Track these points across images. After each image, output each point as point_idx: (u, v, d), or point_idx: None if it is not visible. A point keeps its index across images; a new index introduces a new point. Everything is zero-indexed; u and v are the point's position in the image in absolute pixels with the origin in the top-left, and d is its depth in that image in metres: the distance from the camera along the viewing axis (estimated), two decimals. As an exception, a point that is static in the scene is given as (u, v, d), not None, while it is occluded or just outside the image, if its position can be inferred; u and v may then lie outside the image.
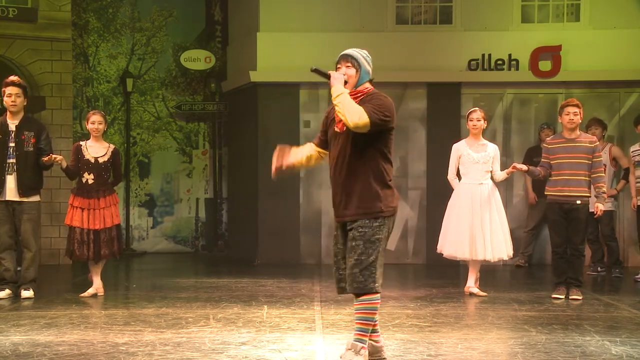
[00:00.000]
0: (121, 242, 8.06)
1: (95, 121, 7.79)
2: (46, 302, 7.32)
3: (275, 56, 11.23)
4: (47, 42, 11.70)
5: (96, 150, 7.79)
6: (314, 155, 4.88)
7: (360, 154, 4.49)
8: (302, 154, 4.90)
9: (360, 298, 4.51)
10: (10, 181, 7.49)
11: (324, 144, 4.83)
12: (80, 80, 12.64)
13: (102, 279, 7.89)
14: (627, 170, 9.66)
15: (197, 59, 12.73)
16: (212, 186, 13.01)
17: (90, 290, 7.77)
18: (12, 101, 7.52)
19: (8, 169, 7.49)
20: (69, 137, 11.32)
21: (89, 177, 7.69)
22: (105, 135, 8.21)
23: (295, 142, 10.96)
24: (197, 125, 13.11)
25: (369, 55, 4.75)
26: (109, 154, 7.82)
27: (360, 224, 4.50)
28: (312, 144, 4.92)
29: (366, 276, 4.44)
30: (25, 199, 7.53)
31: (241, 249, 11.87)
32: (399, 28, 11.29)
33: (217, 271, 10.42)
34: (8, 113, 7.61)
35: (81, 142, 7.91)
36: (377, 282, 4.49)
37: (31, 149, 7.55)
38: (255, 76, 11.24)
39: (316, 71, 4.72)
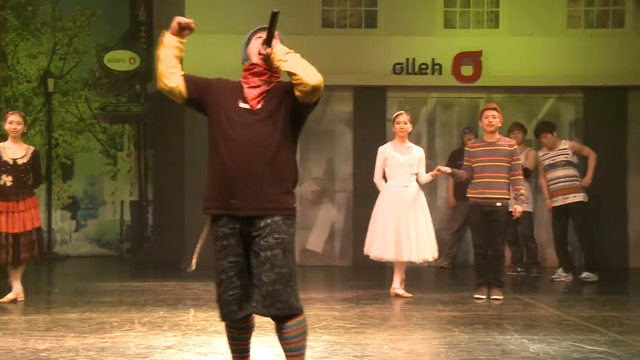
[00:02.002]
0: (42, 245, 7.87)
1: (13, 121, 7.59)
2: (-37, 309, 7.10)
3: (201, 58, 11.10)
4: (-38, 40, 11.35)
5: (15, 151, 7.59)
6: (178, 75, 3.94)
7: (280, 142, 3.75)
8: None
9: (290, 323, 3.67)
10: None
11: (188, 85, 3.98)
12: (-1, 80, 12.31)
13: (22, 283, 7.69)
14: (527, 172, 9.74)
15: (122, 60, 12.54)
16: (137, 188, 12.83)
17: (10, 296, 7.57)
18: None
19: None
20: (-13, 139, 11.00)
21: (7, 180, 7.49)
22: (25, 137, 8.01)
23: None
24: (122, 127, 12.92)
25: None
26: (29, 155, 7.63)
27: (274, 226, 3.70)
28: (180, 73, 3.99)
29: (289, 293, 3.65)
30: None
31: (167, 251, 11.74)
32: (325, 32, 11.36)
33: (142, 275, 10.29)
34: None
35: (0, 143, 7.71)
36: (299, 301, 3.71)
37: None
38: (180, 78, 11.12)
39: (273, 15, 3.81)
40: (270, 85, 3.82)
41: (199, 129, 11.21)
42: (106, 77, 12.80)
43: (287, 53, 3.70)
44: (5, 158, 7.54)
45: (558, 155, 9.45)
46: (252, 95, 3.81)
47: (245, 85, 3.85)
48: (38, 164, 7.74)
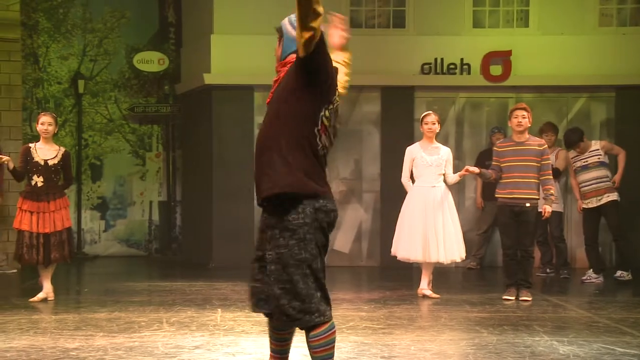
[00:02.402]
0: (72, 245, 7.95)
1: (45, 122, 7.68)
2: (-5, 308, 7.19)
3: (229, 59, 11.20)
4: (-5, 42, 11.48)
5: (46, 152, 7.68)
6: None
7: (271, 133, 3.70)
8: None
9: (313, 333, 3.64)
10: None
11: None
12: (30, 81, 12.43)
13: (52, 283, 7.77)
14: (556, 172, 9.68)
15: (151, 61, 12.62)
16: (166, 189, 12.91)
17: (40, 295, 7.66)
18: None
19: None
20: (18, 139, 11.11)
21: (38, 180, 7.58)
22: (56, 138, 8.09)
23: (250, 145, 11.05)
24: (151, 128, 13.00)
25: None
26: (59, 156, 7.71)
27: (274, 241, 3.64)
28: None
29: (296, 309, 3.61)
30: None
31: (195, 252, 11.80)
32: (353, 32, 11.21)
33: (170, 274, 10.35)
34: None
35: (30, 144, 7.80)
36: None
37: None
38: (209, 78, 11.19)
39: None
40: (280, 75, 3.78)
41: (227, 130, 11.30)
42: (135, 78, 12.89)
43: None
44: (36, 159, 7.62)
45: (590, 156, 9.34)
46: (272, 90, 3.81)
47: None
48: (68, 164, 7.82)
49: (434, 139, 8.14)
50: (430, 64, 11.18)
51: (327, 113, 3.65)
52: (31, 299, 7.59)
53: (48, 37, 12.64)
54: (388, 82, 11.15)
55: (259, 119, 11.24)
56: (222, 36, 11.23)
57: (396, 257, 8.18)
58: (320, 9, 3.44)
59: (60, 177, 7.76)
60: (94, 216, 12.77)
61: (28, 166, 7.62)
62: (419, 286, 8.08)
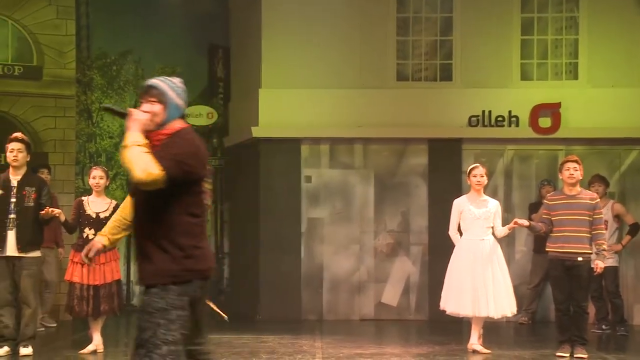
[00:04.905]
0: (121, 297, 8.01)
1: (96, 176, 7.83)
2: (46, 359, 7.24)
3: (277, 112, 11.32)
4: (52, 99, 11.81)
5: (98, 205, 7.80)
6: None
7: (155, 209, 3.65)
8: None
9: None
10: (11, 237, 7.47)
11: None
12: (84, 136, 12.72)
13: (102, 335, 7.81)
14: (633, 226, 9.67)
15: (200, 115, 12.83)
16: (214, 241, 12.98)
17: (90, 347, 7.70)
18: (14, 156, 7.55)
19: (9, 225, 7.47)
20: (71, 193, 11.33)
21: (89, 233, 7.68)
22: (107, 191, 8.22)
23: (297, 197, 11.12)
24: (199, 181, 13.15)
25: (180, 84, 3.86)
26: (111, 209, 7.82)
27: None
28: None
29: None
30: (24, 255, 7.48)
31: (243, 304, 11.78)
32: (400, 85, 11.40)
33: (218, 327, 10.31)
34: (10, 169, 7.64)
35: (83, 197, 7.95)
36: None
37: (32, 204, 7.55)
38: (257, 132, 11.32)
39: (109, 110, 3.92)
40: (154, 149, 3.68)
41: (274, 182, 11.36)
42: (185, 132, 13.08)
43: (128, 146, 3.57)
44: (88, 212, 7.75)
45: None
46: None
47: None
48: (119, 217, 7.90)
49: (482, 192, 8.07)
50: (477, 116, 11.15)
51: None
52: (81, 351, 7.64)
53: (101, 93, 12.95)
54: (435, 134, 11.13)
55: (305, 171, 11.30)
56: (270, 90, 11.37)
57: (445, 311, 8.07)
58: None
59: (111, 229, 7.85)
60: (143, 268, 12.87)
61: (80, 219, 7.74)
62: (468, 341, 7.93)
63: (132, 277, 12.74)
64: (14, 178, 7.60)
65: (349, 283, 11.10)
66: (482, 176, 8.00)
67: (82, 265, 7.63)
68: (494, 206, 7.99)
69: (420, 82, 11.47)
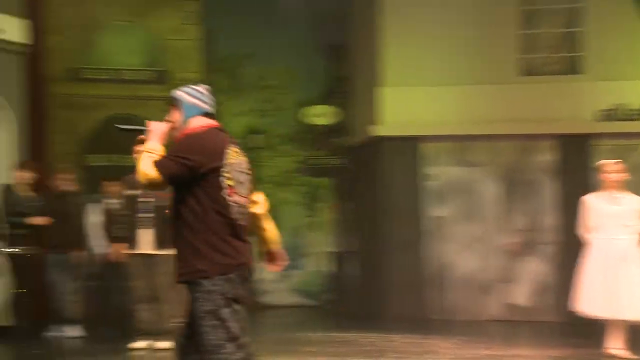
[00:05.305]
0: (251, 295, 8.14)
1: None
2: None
3: (399, 110, 11.26)
4: (179, 102, 12.17)
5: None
6: None
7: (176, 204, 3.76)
8: None
9: None
10: (148, 235, 7.74)
11: None
12: (209, 138, 13.04)
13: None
14: None
15: (321, 115, 12.94)
16: (339, 240, 13.05)
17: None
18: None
19: (145, 223, 7.74)
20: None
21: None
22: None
23: (419, 195, 11.00)
24: (323, 180, 13.24)
25: (199, 87, 3.93)
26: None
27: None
28: None
29: None
30: (160, 252, 7.74)
31: (368, 303, 11.79)
32: (525, 79, 11.10)
33: (344, 326, 10.38)
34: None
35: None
36: None
37: (166, 203, 7.75)
38: (378, 130, 11.30)
39: (124, 130, 4.04)
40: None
41: (396, 181, 11.31)
42: (307, 132, 13.22)
43: (142, 151, 3.75)
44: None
45: None
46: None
47: None
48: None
49: (617, 188, 7.76)
50: (609, 110, 10.72)
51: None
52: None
53: (225, 95, 13.26)
54: (563, 129, 10.78)
55: (427, 169, 11.19)
56: (392, 88, 11.32)
57: (578, 312, 7.80)
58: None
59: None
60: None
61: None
62: (605, 344, 7.62)
63: (259, 275, 12.95)
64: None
65: (475, 282, 10.91)
66: (616, 172, 7.70)
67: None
68: (631, 202, 7.67)
69: (547, 77, 11.13)
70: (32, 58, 9.97)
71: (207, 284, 3.58)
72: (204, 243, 3.65)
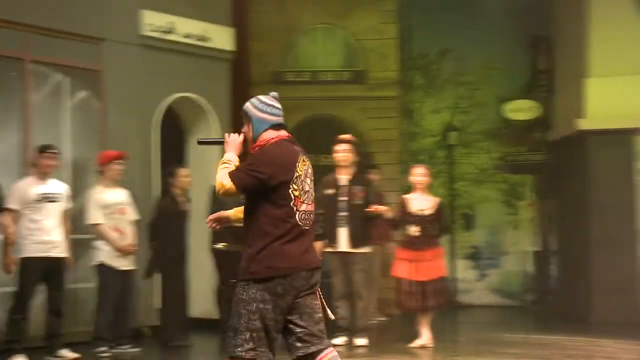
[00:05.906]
0: (447, 294, 8.08)
1: (419, 174, 7.96)
2: (378, 351, 7.53)
3: (606, 102, 10.66)
4: (375, 100, 12.34)
5: (421, 203, 7.92)
6: None
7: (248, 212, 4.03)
8: None
9: None
10: (344, 233, 7.86)
11: None
12: (406, 136, 13.05)
13: (430, 330, 7.92)
14: None
15: (522, 109, 12.56)
16: (540, 238, 12.59)
17: (419, 341, 7.84)
18: (343, 157, 7.94)
19: (341, 222, 7.87)
20: (396, 191, 11.68)
21: (414, 230, 7.83)
22: (429, 188, 8.32)
23: (629, 192, 10.34)
24: (523, 177, 12.82)
25: (266, 99, 4.11)
26: (434, 206, 7.91)
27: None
28: None
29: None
30: (356, 250, 7.84)
31: (573, 304, 11.25)
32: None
33: (547, 327, 9.99)
34: (339, 168, 8.03)
35: (406, 195, 8.12)
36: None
37: (360, 202, 7.87)
38: (583, 124, 10.75)
39: (205, 143, 4.55)
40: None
41: (604, 176, 10.69)
42: (506, 128, 12.86)
43: (220, 163, 4.05)
44: (411, 209, 7.90)
45: None
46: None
47: None
48: (443, 214, 7.99)
49: None
50: None
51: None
52: (410, 345, 7.81)
53: (422, 92, 13.20)
54: None
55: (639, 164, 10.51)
56: (598, 79, 10.72)
57: None
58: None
59: (435, 226, 7.94)
60: (467, 265, 12.87)
61: (404, 216, 7.92)
62: None
63: (457, 274, 12.80)
64: (344, 177, 7.99)
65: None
66: None
67: (409, 261, 7.81)
68: None
69: None
70: (237, 64, 10.45)
71: (253, 283, 3.87)
72: (256, 247, 3.92)
